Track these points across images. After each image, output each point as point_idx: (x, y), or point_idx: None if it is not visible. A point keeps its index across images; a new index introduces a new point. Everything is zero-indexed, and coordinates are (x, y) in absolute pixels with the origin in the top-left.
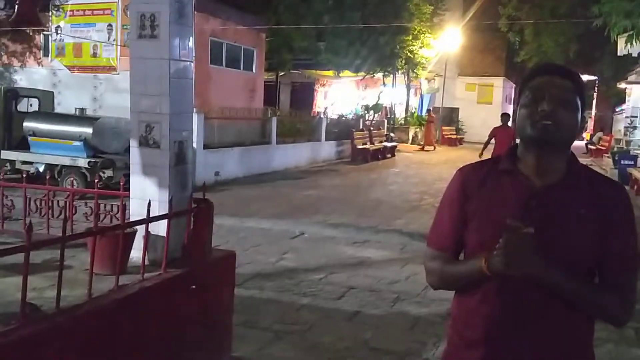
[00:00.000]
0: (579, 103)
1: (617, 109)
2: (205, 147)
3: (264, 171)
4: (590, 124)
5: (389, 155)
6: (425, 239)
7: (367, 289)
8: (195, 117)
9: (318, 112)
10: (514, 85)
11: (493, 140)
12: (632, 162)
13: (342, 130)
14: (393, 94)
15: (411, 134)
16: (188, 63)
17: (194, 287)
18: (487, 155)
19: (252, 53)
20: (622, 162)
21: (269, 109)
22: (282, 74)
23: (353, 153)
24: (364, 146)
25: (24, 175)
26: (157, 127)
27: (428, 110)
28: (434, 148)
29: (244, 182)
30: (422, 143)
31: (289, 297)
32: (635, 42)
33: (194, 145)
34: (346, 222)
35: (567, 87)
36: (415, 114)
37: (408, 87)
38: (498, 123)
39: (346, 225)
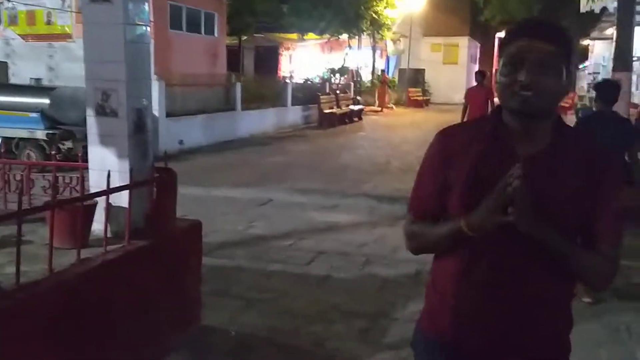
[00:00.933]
0: (564, 64)
1: (580, 67)
2: (168, 115)
3: (229, 138)
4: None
5: (355, 119)
6: (392, 202)
7: (336, 253)
8: (155, 84)
9: (283, 77)
10: (478, 44)
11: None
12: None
13: (308, 94)
14: (359, 56)
15: (377, 96)
16: (144, 27)
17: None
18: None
19: (213, 17)
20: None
21: (233, 74)
22: (244, 38)
23: (320, 118)
24: (330, 110)
25: None
26: (114, 95)
27: (382, 71)
28: (382, 110)
29: (209, 150)
30: (389, 105)
31: (258, 265)
32: None
33: (156, 113)
34: (314, 187)
35: (548, 51)
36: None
37: (374, 49)
38: (463, 83)
39: (314, 190)
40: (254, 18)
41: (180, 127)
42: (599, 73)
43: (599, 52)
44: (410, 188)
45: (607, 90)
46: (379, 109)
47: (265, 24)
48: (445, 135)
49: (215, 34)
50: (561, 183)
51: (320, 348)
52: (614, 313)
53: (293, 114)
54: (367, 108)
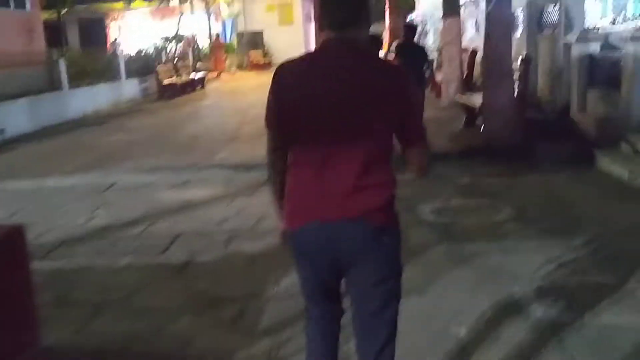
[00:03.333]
0: None
1: (409, 19)
2: None
3: (58, 121)
4: (386, 36)
5: (199, 87)
6: (249, 170)
7: (195, 234)
8: None
9: (113, 48)
10: (312, 3)
11: None
12: (429, 67)
13: (145, 66)
14: (194, 22)
15: (214, 62)
16: None
17: None
18: None
19: None
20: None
21: (55, 50)
22: (65, 10)
23: (159, 89)
24: (170, 80)
25: None
26: None
27: (216, 36)
28: (219, 75)
29: (37, 137)
30: (232, 70)
31: (105, 261)
32: None
33: None
34: (163, 164)
35: None
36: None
37: (208, 14)
38: (301, 42)
39: (163, 168)
40: None
41: None
42: (426, 23)
43: (427, 2)
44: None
45: (411, 29)
46: (217, 74)
47: None
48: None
49: (28, 7)
50: None
51: (188, 347)
52: (482, 256)
53: (129, 88)
54: (209, 75)
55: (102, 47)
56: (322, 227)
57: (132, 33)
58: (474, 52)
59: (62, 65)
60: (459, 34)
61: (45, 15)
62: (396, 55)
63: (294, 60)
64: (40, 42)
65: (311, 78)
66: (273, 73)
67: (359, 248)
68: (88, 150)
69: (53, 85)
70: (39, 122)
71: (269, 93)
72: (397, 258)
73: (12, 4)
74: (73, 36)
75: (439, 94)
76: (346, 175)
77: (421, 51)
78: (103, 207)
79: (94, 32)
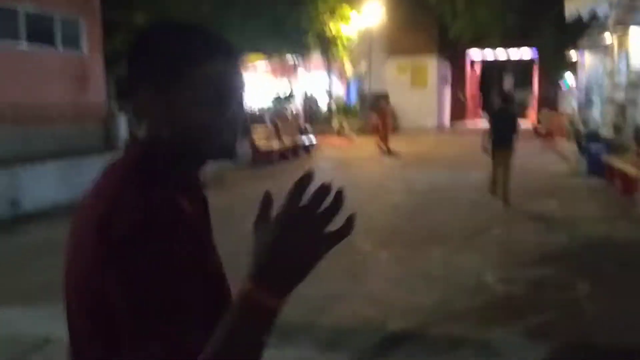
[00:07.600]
0: None
1: (562, 84)
2: None
3: None
4: (533, 102)
5: (304, 154)
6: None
7: None
8: None
9: None
10: (449, 64)
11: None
12: (605, 147)
13: (245, 127)
14: (311, 80)
15: (335, 125)
16: None
17: None
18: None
19: (76, 24)
20: (594, 148)
21: (117, 103)
22: None
23: (253, 154)
24: (267, 145)
25: None
26: None
27: (379, 98)
28: (388, 150)
29: (56, 215)
30: (350, 135)
31: None
32: None
33: None
34: None
35: None
36: (342, 104)
37: (329, 72)
38: (434, 107)
39: None
40: None
41: (14, 180)
42: (591, 91)
43: (592, 65)
44: None
45: (505, 98)
46: (386, 149)
47: None
48: None
49: (83, 49)
50: None
51: None
52: None
53: None
54: (324, 139)
55: None
56: None
57: (252, 90)
58: None
59: (122, 122)
60: None
61: None
62: (489, 121)
63: None
64: (97, 93)
65: None
66: None
67: None
68: None
69: (108, 143)
70: (73, 192)
71: None
72: None
73: (59, 44)
74: None
75: (626, 190)
76: None
77: (512, 119)
78: None
79: None
